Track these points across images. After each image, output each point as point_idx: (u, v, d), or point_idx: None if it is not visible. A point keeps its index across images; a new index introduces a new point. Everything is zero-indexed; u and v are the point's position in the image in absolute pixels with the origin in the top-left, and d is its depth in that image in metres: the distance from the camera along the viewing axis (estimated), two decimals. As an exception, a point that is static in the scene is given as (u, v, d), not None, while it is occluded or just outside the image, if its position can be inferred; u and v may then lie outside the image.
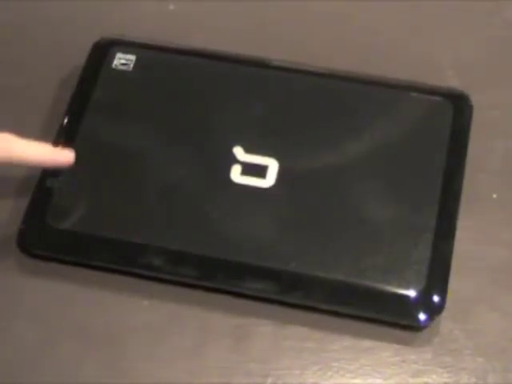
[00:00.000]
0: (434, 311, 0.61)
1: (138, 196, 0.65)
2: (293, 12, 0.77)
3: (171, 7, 0.78)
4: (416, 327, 0.61)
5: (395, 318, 0.61)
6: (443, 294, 0.61)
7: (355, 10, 0.78)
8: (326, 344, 0.61)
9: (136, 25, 0.76)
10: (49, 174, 0.65)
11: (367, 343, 0.61)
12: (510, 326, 0.63)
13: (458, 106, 0.68)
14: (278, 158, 0.65)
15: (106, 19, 0.77)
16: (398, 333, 0.62)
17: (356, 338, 0.62)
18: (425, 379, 0.60)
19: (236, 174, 0.65)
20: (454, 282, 0.62)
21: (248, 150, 0.66)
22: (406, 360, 0.61)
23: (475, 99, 0.69)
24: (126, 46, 0.71)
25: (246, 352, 0.61)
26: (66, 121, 0.68)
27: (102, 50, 0.71)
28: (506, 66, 0.75)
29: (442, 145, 0.66)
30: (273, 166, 0.65)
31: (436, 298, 0.61)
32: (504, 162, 0.69)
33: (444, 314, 0.61)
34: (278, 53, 0.72)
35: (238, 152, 0.65)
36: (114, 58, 0.70)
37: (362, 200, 0.64)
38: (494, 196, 0.66)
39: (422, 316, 0.61)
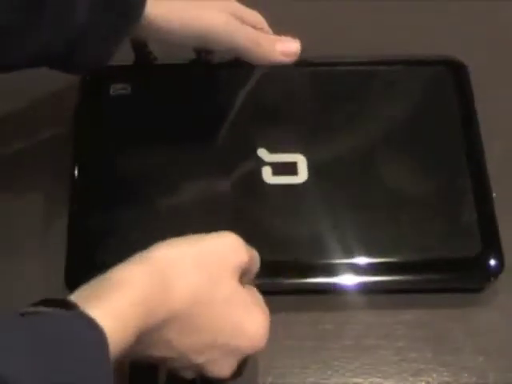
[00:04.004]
0: (501, 262, 0.62)
1: (176, 214, 0.63)
2: (293, 12, 0.77)
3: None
4: (489, 277, 0.62)
5: (468, 273, 0.63)
6: (500, 248, 0.62)
7: (355, 9, 0.78)
8: (327, 343, 0.61)
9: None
10: (76, 213, 0.64)
11: (367, 342, 0.62)
12: (510, 325, 0.63)
13: (456, 70, 0.70)
14: (303, 152, 0.65)
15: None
16: (397, 331, 0.62)
17: (356, 336, 0.62)
18: (425, 378, 0.60)
19: (268, 176, 0.64)
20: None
21: (272, 151, 0.65)
22: (406, 359, 0.61)
23: (476, 99, 0.69)
24: (117, 77, 0.69)
25: (247, 351, 0.61)
26: (76, 154, 0.66)
27: (95, 84, 0.69)
28: (506, 65, 0.75)
29: (453, 109, 0.68)
30: (301, 161, 0.65)
31: (498, 250, 0.62)
32: (504, 162, 0.69)
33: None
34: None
35: (263, 154, 0.65)
36: (109, 88, 0.68)
37: (396, 178, 0.65)
38: (494, 195, 0.66)
39: (492, 262, 0.62)
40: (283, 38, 0.66)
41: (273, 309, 0.60)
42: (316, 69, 0.71)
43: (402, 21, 0.77)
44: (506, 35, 0.77)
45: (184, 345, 0.52)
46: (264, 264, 0.58)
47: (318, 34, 0.75)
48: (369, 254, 0.62)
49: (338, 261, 0.62)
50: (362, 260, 0.62)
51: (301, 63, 0.70)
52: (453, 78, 0.70)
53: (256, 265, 0.57)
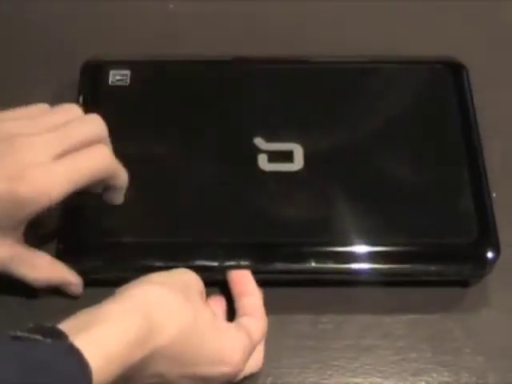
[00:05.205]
0: (497, 249, 0.62)
1: (172, 199, 0.64)
2: (293, 12, 0.77)
3: (171, 6, 0.78)
4: (484, 266, 0.62)
5: (464, 261, 0.62)
6: (496, 237, 0.62)
7: (355, 9, 0.78)
8: (327, 343, 0.61)
9: (136, 24, 0.76)
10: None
11: (367, 342, 0.62)
12: (510, 325, 0.63)
13: (455, 71, 0.70)
14: (300, 142, 0.65)
15: (105, 18, 0.77)
16: (397, 331, 0.62)
17: (356, 336, 0.62)
18: (425, 378, 0.60)
19: (264, 163, 0.65)
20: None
21: (269, 140, 0.66)
22: (406, 359, 0.61)
23: (476, 99, 0.69)
24: (117, 63, 0.70)
25: (246, 351, 0.61)
26: None
27: (94, 70, 0.69)
28: (506, 65, 0.75)
29: (451, 105, 0.68)
30: (297, 150, 0.65)
31: (494, 239, 0.62)
32: (504, 162, 0.69)
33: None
34: (278, 52, 0.72)
35: (260, 142, 0.66)
36: (108, 75, 0.69)
37: (393, 167, 0.65)
38: (494, 195, 0.66)
39: (488, 249, 0.62)
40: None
41: (272, 309, 0.61)
42: (316, 66, 0.71)
43: (402, 21, 0.77)
44: (506, 35, 0.77)
45: (169, 374, 0.54)
46: (257, 248, 0.61)
47: (317, 34, 0.76)
48: (363, 241, 0.62)
49: (330, 247, 0.62)
50: (359, 247, 0.62)
51: (301, 61, 0.71)
52: (452, 79, 0.70)
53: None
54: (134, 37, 0.75)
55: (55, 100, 0.70)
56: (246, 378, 0.58)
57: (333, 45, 0.75)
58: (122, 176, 0.60)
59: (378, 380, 0.60)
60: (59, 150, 0.56)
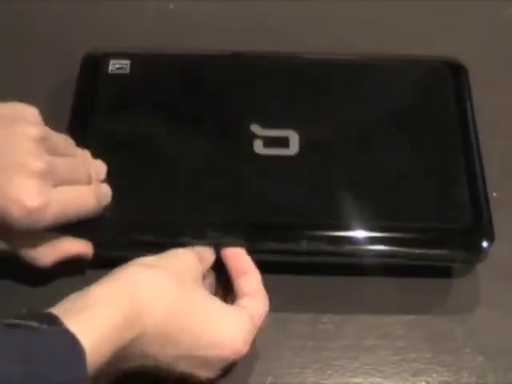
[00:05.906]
0: (491, 238, 0.62)
1: (172, 182, 0.64)
2: (293, 12, 0.78)
3: (171, 6, 0.78)
4: (478, 255, 0.62)
5: (459, 246, 0.62)
6: (491, 223, 0.62)
7: (355, 9, 0.78)
8: (326, 343, 0.61)
9: (136, 24, 0.77)
10: None
11: (367, 342, 0.62)
12: (510, 325, 0.63)
13: (454, 69, 0.70)
14: (296, 129, 0.66)
15: (105, 19, 0.77)
16: (397, 331, 0.62)
17: (356, 336, 0.62)
18: (425, 378, 0.60)
19: (259, 148, 0.65)
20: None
21: (265, 126, 0.66)
22: (406, 359, 0.61)
23: (476, 99, 0.69)
24: (117, 54, 0.70)
25: (246, 351, 0.61)
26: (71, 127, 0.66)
27: (94, 60, 0.70)
28: (506, 66, 0.75)
29: (451, 105, 0.68)
30: (293, 136, 0.66)
31: (488, 225, 0.62)
32: (504, 161, 0.69)
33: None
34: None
35: (257, 129, 0.66)
36: (108, 64, 0.69)
37: (389, 152, 0.66)
38: (494, 194, 0.66)
39: (484, 241, 0.62)
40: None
41: (273, 308, 0.61)
42: (315, 64, 0.71)
43: (402, 21, 0.78)
44: (506, 35, 0.77)
45: (163, 356, 0.54)
46: (247, 227, 0.62)
47: (317, 34, 0.76)
48: (358, 225, 0.62)
49: (322, 229, 0.62)
50: (354, 230, 0.62)
51: (300, 56, 0.71)
52: (452, 79, 0.70)
53: (207, 264, 0.60)
54: (134, 37, 0.75)
55: (55, 99, 0.71)
56: (245, 378, 0.58)
57: (333, 44, 0.75)
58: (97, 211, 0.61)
59: (378, 380, 0.60)
60: (58, 180, 0.56)
